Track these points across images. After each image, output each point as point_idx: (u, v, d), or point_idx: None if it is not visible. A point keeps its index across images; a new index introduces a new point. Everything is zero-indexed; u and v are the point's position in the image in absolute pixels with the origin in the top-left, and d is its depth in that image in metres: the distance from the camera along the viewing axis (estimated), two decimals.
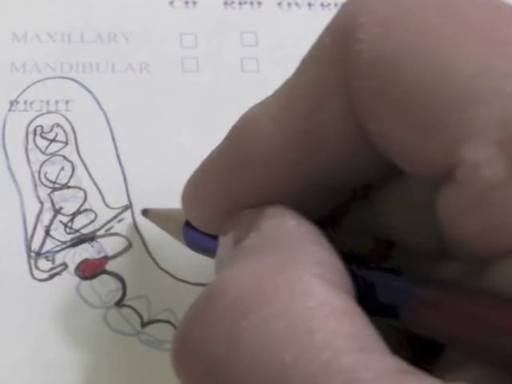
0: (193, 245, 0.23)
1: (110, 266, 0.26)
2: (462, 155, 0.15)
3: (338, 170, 0.17)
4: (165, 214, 0.25)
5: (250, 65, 0.30)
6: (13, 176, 0.27)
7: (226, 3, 0.32)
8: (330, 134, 0.17)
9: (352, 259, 0.17)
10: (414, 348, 0.17)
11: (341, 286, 0.16)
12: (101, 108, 0.29)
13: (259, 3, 0.32)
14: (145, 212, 0.27)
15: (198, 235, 0.22)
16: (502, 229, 0.15)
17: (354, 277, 0.17)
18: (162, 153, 0.28)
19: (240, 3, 0.32)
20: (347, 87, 0.16)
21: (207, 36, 0.31)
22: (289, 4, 0.32)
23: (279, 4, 0.32)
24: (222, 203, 0.19)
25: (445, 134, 0.15)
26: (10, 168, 0.28)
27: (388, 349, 0.15)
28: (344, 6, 0.17)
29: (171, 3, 0.32)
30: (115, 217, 0.27)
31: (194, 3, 0.32)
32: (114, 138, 0.28)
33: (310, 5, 0.32)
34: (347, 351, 0.14)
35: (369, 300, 0.16)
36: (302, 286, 0.15)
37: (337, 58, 0.16)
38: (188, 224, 0.22)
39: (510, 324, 0.14)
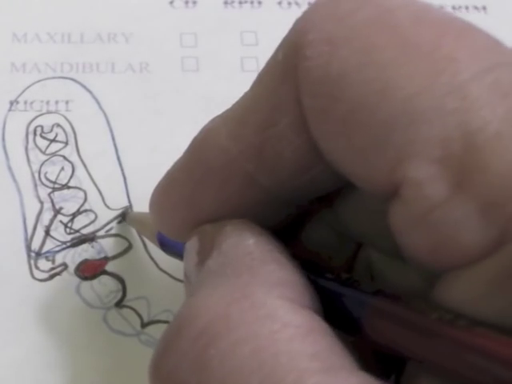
0: (167, 249, 0.23)
1: (110, 266, 0.26)
2: (404, 174, 0.15)
3: (294, 183, 0.18)
4: (141, 219, 0.25)
5: (250, 64, 0.30)
6: (13, 176, 0.27)
7: (226, 3, 0.32)
8: (284, 148, 0.17)
9: (312, 271, 0.17)
10: (381, 362, 0.17)
11: (303, 303, 0.16)
12: (101, 108, 0.29)
13: (259, 3, 0.32)
14: (123, 216, 0.27)
15: (171, 240, 0.22)
16: (446, 245, 0.15)
17: (317, 289, 0.17)
18: (162, 153, 0.28)
19: (240, 3, 0.32)
20: (298, 103, 0.16)
21: (207, 35, 0.31)
22: (289, 3, 0.32)
23: (279, 3, 0.32)
24: (187, 215, 0.19)
25: (387, 153, 0.15)
26: (10, 168, 0.28)
27: (356, 364, 0.15)
28: (296, 21, 0.17)
29: (171, 3, 0.32)
30: (115, 217, 0.27)
31: (194, 3, 0.32)
32: (114, 138, 0.28)
33: (310, 4, 0.32)
34: (311, 373, 0.14)
35: (331, 313, 0.17)
36: (266, 309, 0.15)
37: (288, 74, 0.16)
38: None
39: (454, 338, 0.14)
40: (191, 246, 0.19)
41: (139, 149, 0.28)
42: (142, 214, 0.25)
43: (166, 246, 0.23)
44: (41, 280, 0.26)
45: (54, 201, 0.27)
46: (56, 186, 0.27)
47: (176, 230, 0.20)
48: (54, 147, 0.28)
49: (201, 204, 0.19)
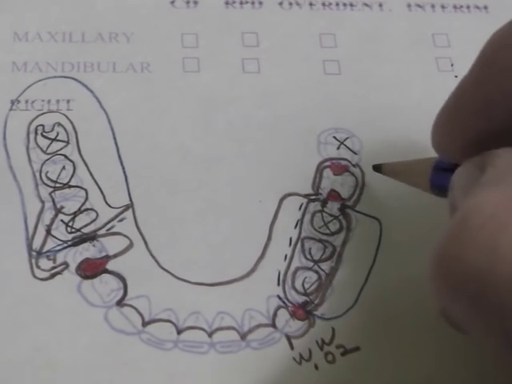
0: (442, 188, 0.23)
1: (111, 265, 0.26)
2: None
3: None
4: (404, 167, 0.26)
5: (251, 65, 0.30)
6: (14, 175, 0.27)
7: (227, 3, 0.32)
8: None
9: None
10: None
11: None
12: (102, 107, 0.29)
13: (260, 3, 0.32)
14: (377, 168, 0.27)
15: (446, 178, 0.22)
16: None
17: None
18: (162, 152, 0.28)
19: (241, 3, 0.32)
20: None
21: (208, 36, 0.31)
22: (290, 4, 0.32)
23: (280, 4, 0.32)
24: (476, 125, 0.20)
25: None
26: (11, 167, 0.28)
27: None
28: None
29: (172, 3, 0.32)
30: (116, 216, 0.27)
31: (196, 3, 0.32)
32: (115, 138, 0.29)
33: (311, 4, 0.32)
34: None
35: None
36: None
37: None
38: (436, 168, 0.24)
39: None
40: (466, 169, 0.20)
41: (140, 148, 0.28)
42: (401, 163, 0.26)
43: (440, 185, 0.23)
44: (42, 279, 0.26)
45: (55, 200, 0.27)
46: (57, 185, 0.27)
47: (458, 143, 0.21)
48: (55, 146, 0.28)
49: (489, 121, 0.20)
